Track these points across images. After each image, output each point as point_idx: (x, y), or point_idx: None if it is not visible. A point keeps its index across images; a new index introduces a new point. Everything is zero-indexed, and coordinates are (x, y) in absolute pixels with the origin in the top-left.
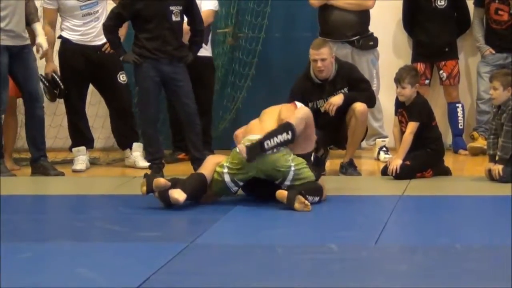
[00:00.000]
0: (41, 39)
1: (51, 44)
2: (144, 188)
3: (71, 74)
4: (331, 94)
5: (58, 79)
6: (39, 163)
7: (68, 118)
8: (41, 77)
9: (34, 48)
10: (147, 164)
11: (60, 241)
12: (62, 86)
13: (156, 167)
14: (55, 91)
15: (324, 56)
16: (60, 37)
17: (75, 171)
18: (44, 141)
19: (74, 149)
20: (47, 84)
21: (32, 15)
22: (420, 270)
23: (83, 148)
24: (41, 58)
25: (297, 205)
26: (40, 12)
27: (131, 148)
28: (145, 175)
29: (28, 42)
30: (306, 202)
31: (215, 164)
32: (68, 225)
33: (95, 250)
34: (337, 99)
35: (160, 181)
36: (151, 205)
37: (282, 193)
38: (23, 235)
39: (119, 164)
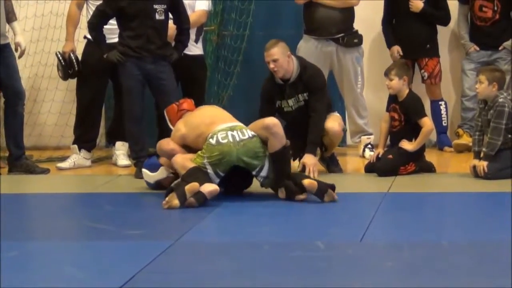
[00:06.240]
0: (20, 38)
1: (75, 24)
2: (176, 202)
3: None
4: (291, 96)
5: (74, 60)
6: (22, 161)
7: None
8: (58, 54)
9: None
10: (127, 162)
11: (45, 239)
12: (76, 68)
13: (141, 165)
14: (69, 71)
15: (275, 57)
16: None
17: (58, 168)
18: (23, 139)
19: (71, 146)
20: (62, 62)
21: (10, 13)
22: (405, 267)
23: (74, 146)
24: (19, 57)
25: (326, 198)
26: None
27: None
28: (169, 189)
29: (8, 41)
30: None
31: (190, 160)
32: (53, 224)
33: (80, 249)
34: (311, 160)
35: (195, 185)
36: (136, 203)
37: (312, 183)
38: (8, 234)
39: (104, 162)
